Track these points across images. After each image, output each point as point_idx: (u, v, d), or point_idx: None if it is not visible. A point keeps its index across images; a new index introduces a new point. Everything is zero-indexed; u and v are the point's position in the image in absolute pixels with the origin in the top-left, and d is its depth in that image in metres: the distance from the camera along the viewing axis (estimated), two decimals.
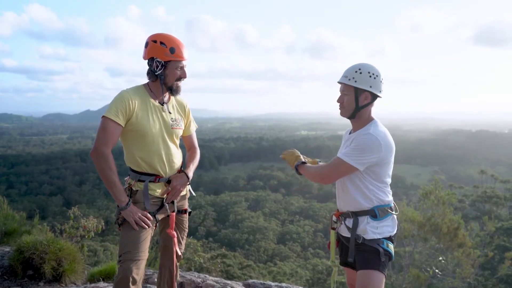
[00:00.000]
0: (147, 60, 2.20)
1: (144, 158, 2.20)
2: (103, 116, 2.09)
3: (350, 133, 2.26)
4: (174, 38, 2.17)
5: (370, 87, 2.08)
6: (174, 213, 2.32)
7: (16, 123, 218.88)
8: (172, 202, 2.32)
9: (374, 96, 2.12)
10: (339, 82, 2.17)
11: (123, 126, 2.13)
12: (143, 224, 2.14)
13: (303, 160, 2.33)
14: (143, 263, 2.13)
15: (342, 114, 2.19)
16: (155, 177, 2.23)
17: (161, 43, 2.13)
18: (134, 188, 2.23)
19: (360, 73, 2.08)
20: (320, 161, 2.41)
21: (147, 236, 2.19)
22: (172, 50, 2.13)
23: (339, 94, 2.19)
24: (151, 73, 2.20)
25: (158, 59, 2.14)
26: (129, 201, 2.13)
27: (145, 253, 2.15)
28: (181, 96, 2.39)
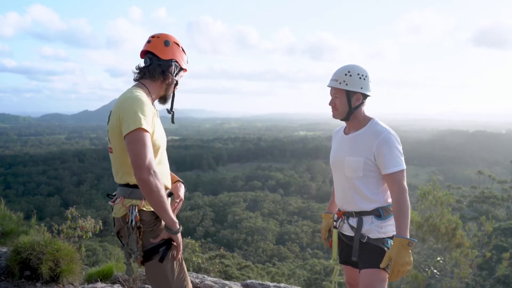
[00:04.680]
0: (147, 58, 1.98)
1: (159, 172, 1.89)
2: (138, 128, 1.73)
3: (345, 133, 2.26)
4: None
5: (361, 88, 2.11)
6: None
7: (13, 123, 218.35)
8: None
9: (365, 96, 2.15)
10: (329, 86, 2.18)
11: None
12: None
13: (409, 240, 1.96)
14: None
15: (335, 116, 2.20)
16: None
17: (183, 49, 2.06)
18: (145, 209, 1.86)
19: (350, 75, 2.10)
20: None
21: None
22: (187, 60, 2.10)
23: (330, 97, 2.20)
24: (163, 73, 1.97)
25: (177, 63, 2.01)
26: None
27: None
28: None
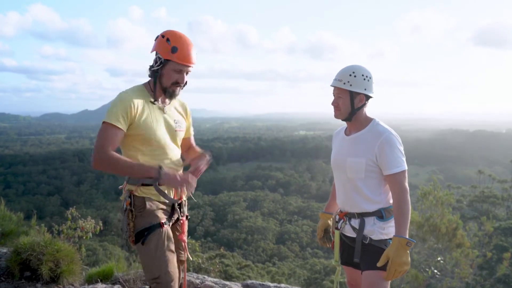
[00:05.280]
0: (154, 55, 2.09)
1: (149, 162, 2.03)
2: (103, 122, 1.94)
3: (346, 134, 2.25)
4: (184, 38, 2.03)
5: (365, 89, 2.10)
6: (185, 219, 2.19)
7: (13, 122, 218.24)
8: (180, 207, 2.19)
9: (368, 97, 2.15)
10: (333, 86, 2.17)
11: (125, 130, 1.97)
12: (191, 183, 1.99)
13: (409, 240, 1.96)
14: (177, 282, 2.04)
15: (337, 116, 2.19)
16: None
17: (168, 39, 2.00)
18: (137, 194, 2.03)
19: (355, 76, 2.09)
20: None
21: (173, 247, 2.05)
22: (173, 49, 1.98)
23: (333, 97, 2.19)
24: (149, 68, 2.08)
25: (159, 55, 2.01)
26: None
27: (177, 271, 2.04)
28: (180, 97, 2.25)
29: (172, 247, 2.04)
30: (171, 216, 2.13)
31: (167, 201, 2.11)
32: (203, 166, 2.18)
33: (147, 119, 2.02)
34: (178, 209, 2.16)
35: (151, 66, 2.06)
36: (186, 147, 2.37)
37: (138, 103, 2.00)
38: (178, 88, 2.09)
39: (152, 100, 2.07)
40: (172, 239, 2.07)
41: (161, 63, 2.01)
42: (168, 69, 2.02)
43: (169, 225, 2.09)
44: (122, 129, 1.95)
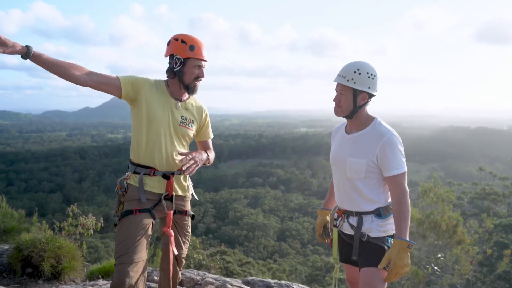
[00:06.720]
0: (168, 59, 2.27)
1: (144, 145, 2.21)
2: None
3: (347, 132, 2.22)
4: (195, 38, 2.24)
5: (369, 88, 2.06)
6: (171, 212, 2.26)
7: (14, 120, 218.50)
8: (171, 200, 2.27)
9: (371, 95, 2.10)
10: (336, 82, 2.13)
11: (121, 88, 2.15)
12: None
13: (410, 242, 1.98)
14: (139, 264, 2.07)
15: (338, 113, 2.14)
16: (151, 170, 2.21)
17: (182, 41, 2.20)
18: (129, 182, 2.23)
19: (359, 73, 2.04)
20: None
21: (144, 236, 2.13)
22: (191, 48, 2.19)
23: (335, 92, 2.14)
24: (170, 70, 2.26)
25: (177, 56, 2.19)
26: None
27: (141, 254, 2.08)
28: (201, 102, 2.42)
29: (140, 234, 2.11)
30: (154, 207, 2.22)
31: (154, 192, 2.22)
32: (198, 156, 2.25)
33: (153, 102, 2.21)
34: (166, 202, 2.25)
35: (171, 68, 2.25)
36: (202, 149, 2.50)
37: (150, 85, 2.24)
38: (198, 82, 2.28)
39: (168, 95, 2.27)
40: (147, 227, 2.16)
41: (181, 63, 2.20)
42: (189, 66, 2.21)
43: (150, 214, 2.19)
44: (120, 85, 2.16)
